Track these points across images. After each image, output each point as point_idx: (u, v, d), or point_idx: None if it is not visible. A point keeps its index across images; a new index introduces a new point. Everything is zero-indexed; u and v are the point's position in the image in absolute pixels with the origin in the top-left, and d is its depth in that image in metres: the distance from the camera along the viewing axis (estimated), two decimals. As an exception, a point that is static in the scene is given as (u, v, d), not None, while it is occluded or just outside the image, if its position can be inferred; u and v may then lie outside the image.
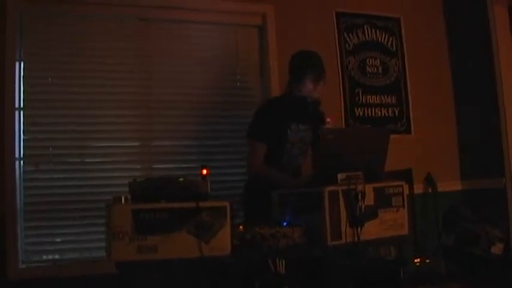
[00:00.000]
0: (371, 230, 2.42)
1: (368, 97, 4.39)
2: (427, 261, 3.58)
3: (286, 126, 3.19)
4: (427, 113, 4.54)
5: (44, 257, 3.56)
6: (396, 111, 4.48)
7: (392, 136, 2.77)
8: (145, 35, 3.92)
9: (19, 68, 3.57)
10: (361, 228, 2.36)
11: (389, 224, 2.50)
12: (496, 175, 4.32)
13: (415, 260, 3.58)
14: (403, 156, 3.97)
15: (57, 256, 3.57)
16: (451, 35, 4.76)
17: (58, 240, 3.59)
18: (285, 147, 3.21)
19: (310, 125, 3.27)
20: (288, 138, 3.19)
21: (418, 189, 4.30)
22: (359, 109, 4.35)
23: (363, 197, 2.37)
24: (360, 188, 2.37)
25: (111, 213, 2.01)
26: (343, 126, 4.20)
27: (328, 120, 3.32)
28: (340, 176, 2.38)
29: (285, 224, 2.45)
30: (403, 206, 2.55)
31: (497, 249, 3.71)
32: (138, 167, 3.82)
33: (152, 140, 3.88)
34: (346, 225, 2.33)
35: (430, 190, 4.40)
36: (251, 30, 4.21)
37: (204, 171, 2.21)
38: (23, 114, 3.57)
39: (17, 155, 3.51)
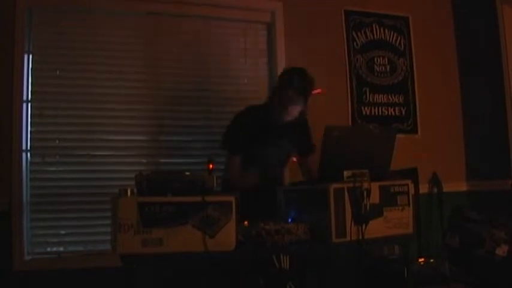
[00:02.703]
0: (376, 228, 2.41)
1: (375, 96, 4.38)
2: (431, 261, 3.59)
3: (262, 141, 3.13)
4: (434, 113, 4.53)
5: (49, 249, 3.57)
6: (403, 111, 4.47)
7: (398, 136, 2.77)
8: (154, 30, 3.93)
9: (27, 61, 3.59)
10: (365, 226, 2.35)
11: (394, 223, 2.49)
12: (502, 176, 4.30)
13: (419, 260, 3.59)
14: (409, 155, 3.96)
15: (61, 248, 3.59)
16: (459, 34, 4.74)
17: (63, 232, 3.60)
18: (262, 158, 3.17)
19: (287, 138, 3.21)
20: (263, 152, 3.15)
21: (424, 189, 4.29)
22: (366, 108, 4.34)
23: (368, 195, 2.36)
24: (365, 185, 2.36)
25: (117, 205, 2.02)
26: (350, 124, 4.19)
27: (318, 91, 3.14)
28: (346, 173, 2.38)
29: (289, 220, 2.46)
30: (409, 205, 2.54)
31: (501, 251, 3.70)
32: (145, 161, 3.82)
33: (159, 134, 3.89)
34: (351, 222, 2.33)
35: (435, 190, 4.39)
36: (260, 27, 4.21)
37: (211, 166, 2.22)
38: (31, 106, 3.59)
39: (24, 147, 3.53)
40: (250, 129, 3.10)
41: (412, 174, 3.62)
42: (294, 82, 2.97)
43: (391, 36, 4.52)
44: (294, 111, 3.04)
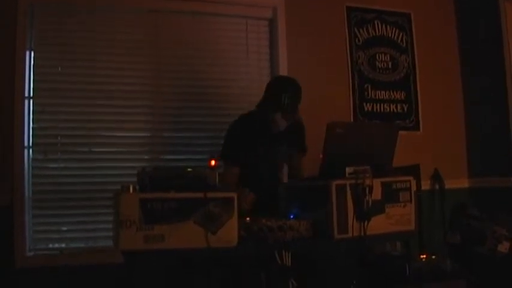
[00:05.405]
0: (378, 225, 2.41)
1: (377, 92, 4.38)
2: (433, 257, 3.59)
3: (257, 150, 3.10)
4: (436, 110, 4.52)
5: (51, 245, 3.58)
6: (405, 108, 4.47)
7: (400, 132, 2.77)
8: (155, 26, 3.93)
9: (29, 57, 3.59)
10: (367, 223, 2.35)
11: (396, 219, 2.49)
12: (504, 173, 4.30)
13: (421, 257, 3.59)
14: (411, 152, 3.95)
15: (63, 245, 3.60)
16: (461, 31, 4.74)
17: (64, 228, 3.60)
18: (259, 165, 3.13)
19: (284, 142, 3.17)
20: (259, 160, 3.12)
21: (425, 185, 4.29)
22: (368, 104, 4.33)
23: (370, 191, 2.36)
24: (367, 182, 2.36)
25: (119, 201, 2.01)
26: (352, 120, 4.19)
27: None
28: (348, 170, 2.37)
29: (291, 216, 2.45)
30: (410, 202, 2.54)
31: (503, 247, 3.70)
32: (146, 157, 3.82)
33: (161, 130, 3.89)
34: (353, 219, 2.33)
35: (437, 187, 4.39)
36: (261, 23, 4.20)
37: (213, 162, 2.22)
38: (33, 102, 3.59)
39: (25, 143, 3.53)
40: (247, 137, 3.07)
41: (414, 170, 3.62)
42: (284, 101, 2.95)
43: (393, 33, 4.51)
44: (285, 123, 3.05)
